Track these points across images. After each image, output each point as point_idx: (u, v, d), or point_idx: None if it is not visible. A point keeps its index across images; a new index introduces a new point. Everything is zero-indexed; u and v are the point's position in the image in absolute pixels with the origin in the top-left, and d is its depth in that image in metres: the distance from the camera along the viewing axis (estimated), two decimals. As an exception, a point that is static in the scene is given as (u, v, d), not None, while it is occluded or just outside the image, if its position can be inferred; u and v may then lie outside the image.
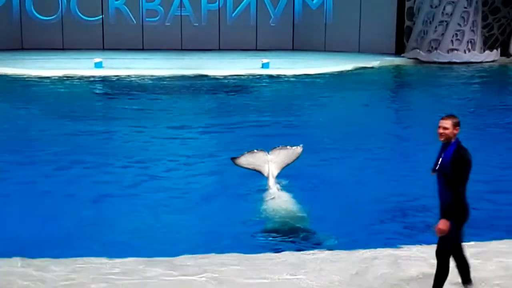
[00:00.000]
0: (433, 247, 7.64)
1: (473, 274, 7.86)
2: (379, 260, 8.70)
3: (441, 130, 7.32)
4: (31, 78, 25.86)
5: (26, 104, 21.75)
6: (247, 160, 12.48)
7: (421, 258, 8.70)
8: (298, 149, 12.54)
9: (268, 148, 12.60)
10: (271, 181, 12.03)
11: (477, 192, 11.06)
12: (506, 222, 10.95)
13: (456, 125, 7.38)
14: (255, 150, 12.58)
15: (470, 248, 8.47)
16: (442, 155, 7.40)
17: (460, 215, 7.34)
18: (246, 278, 8.08)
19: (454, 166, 7.25)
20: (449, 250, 7.48)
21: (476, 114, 21.14)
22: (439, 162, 7.44)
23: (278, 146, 12.72)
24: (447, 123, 7.31)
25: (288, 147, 12.65)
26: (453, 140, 7.35)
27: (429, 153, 15.29)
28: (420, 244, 9.16)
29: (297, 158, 12.49)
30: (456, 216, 7.30)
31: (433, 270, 7.56)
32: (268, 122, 18.80)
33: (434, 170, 7.47)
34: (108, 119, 19.54)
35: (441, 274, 7.51)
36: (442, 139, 7.37)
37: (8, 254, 8.76)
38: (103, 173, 13.65)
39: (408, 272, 8.38)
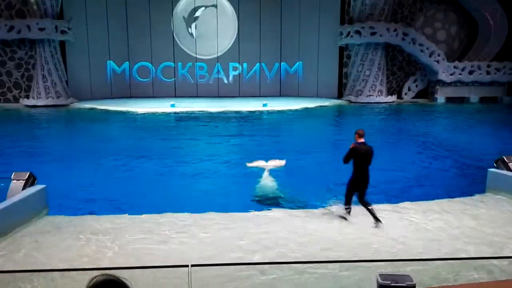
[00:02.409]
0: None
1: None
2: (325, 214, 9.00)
3: None
4: (135, 113, 26.08)
5: (133, 128, 22.16)
6: (256, 164, 12.79)
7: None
8: (283, 162, 12.80)
9: (266, 157, 12.97)
10: (266, 172, 12.12)
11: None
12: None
13: (355, 133, 8.25)
14: (260, 160, 13.00)
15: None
16: None
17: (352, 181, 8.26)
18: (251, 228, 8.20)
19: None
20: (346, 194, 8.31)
21: (381, 131, 21.42)
22: None
23: (273, 159, 13.09)
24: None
25: (277, 160, 12.97)
26: (356, 142, 8.16)
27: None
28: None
29: (282, 166, 12.70)
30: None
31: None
32: (265, 137, 18.98)
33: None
34: (179, 135, 19.82)
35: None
36: None
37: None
38: (178, 165, 13.90)
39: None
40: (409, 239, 7.48)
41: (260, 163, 12.87)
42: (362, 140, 8.17)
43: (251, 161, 13.10)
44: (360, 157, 8.03)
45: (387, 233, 7.71)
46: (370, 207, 8.09)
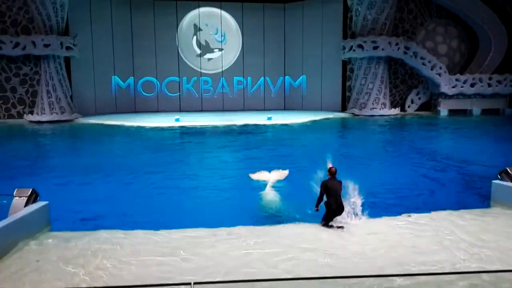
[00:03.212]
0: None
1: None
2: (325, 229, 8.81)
3: None
4: (140, 127, 26.13)
5: (137, 141, 22.06)
6: (258, 175, 12.36)
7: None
8: (286, 172, 12.37)
9: (270, 168, 12.75)
10: (269, 185, 11.83)
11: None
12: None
13: (328, 171, 8.83)
14: (263, 171, 12.48)
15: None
16: None
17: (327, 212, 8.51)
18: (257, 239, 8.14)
19: None
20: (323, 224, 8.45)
21: (386, 143, 21.32)
22: None
23: (276, 169, 12.56)
24: None
25: (280, 170, 12.51)
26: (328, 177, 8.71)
27: (359, 164, 15.51)
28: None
29: (286, 176, 12.30)
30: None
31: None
32: (270, 149, 18.86)
33: None
34: (183, 148, 19.81)
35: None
36: None
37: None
38: (179, 178, 13.72)
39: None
40: (409, 251, 7.32)
41: (263, 174, 12.53)
42: (331, 177, 8.81)
43: (253, 172, 12.90)
44: (330, 191, 8.58)
45: (385, 244, 7.57)
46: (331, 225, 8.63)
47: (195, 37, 35.02)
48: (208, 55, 35.26)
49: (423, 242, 7.75)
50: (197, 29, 34.93)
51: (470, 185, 12.96)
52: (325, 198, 8.61)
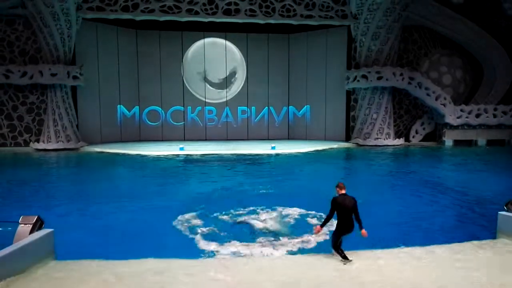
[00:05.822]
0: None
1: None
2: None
3: None
4: (144, 156, 26.23)
5: (140, 169, 22.14)
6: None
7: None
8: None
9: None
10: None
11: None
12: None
13: (336, 187, 8.56)
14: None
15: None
16: None
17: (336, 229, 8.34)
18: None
19: None
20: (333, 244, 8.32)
21: (388, 173, 21.26)
22: None
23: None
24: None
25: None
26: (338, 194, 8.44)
27: (365, 193, 15.38)
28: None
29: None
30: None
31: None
32: (274, 178, 18.83)
33: None
34: (186, 176, 19.79)
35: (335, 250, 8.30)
36: None
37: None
38: (180, 205, 13.55)
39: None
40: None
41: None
42: (343, 191, 8.49)
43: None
44: (341, 208, 8.27)
45: (391, 278, 7.50)
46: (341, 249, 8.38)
47: (200, 67, 35.39)
48: (213, 86, 35.60)
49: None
50: (202, 59, 35.33)
51: (476, 216, 12.88)
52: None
